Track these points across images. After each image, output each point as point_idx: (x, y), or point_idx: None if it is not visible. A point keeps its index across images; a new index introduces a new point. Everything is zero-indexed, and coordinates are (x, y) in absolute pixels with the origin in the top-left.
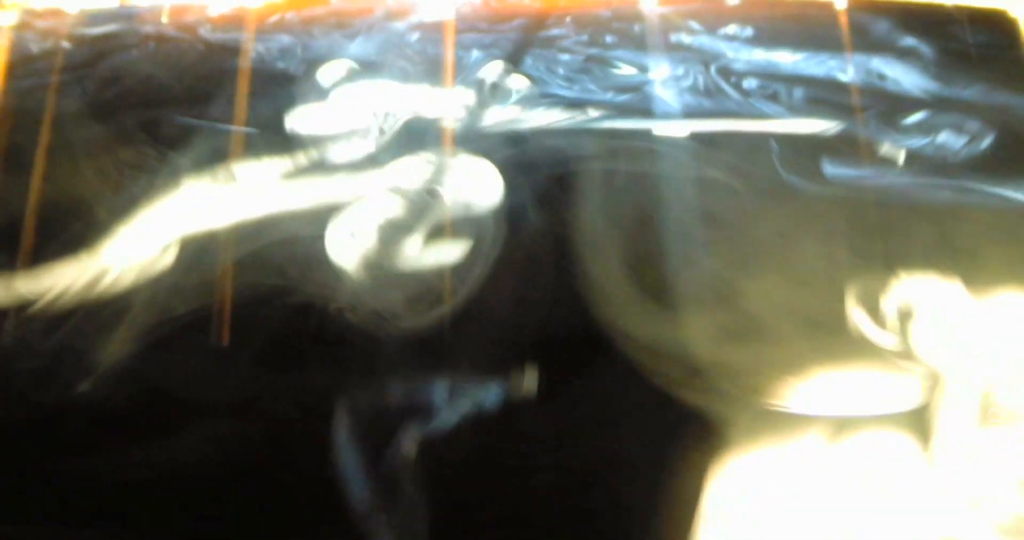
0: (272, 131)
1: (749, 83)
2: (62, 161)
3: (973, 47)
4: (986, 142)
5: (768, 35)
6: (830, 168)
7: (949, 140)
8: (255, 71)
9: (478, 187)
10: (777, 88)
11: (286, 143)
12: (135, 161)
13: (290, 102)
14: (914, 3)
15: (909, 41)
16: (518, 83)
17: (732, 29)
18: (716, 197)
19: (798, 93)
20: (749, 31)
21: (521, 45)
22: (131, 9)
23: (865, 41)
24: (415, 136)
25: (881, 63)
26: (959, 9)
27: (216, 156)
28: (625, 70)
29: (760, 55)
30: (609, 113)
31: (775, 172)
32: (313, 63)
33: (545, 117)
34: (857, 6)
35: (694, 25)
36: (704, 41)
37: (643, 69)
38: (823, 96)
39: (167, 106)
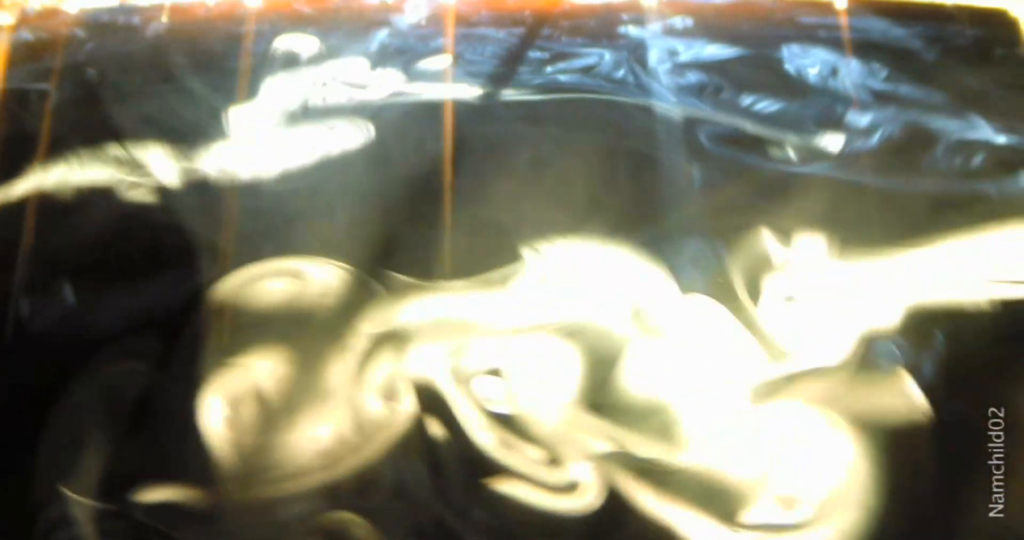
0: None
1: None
2: (60, 154)
3: (973, 46)
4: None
5: (720, 32)
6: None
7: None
8: (253, 67)
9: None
10: (721, 82)
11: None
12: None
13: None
14: (915, 2)
15: (908, 39)
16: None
17: (679, 22)
18: None
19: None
20: (690, 21)
21: (521, 45)
22: (131, 8)
23: (815, 36)
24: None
25: (840, 59)
26: (959, 9)
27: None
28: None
29: (713, 50)
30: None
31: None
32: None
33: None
34: (858, 5)
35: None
36: (654, 34)
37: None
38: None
39: (166, 100)
